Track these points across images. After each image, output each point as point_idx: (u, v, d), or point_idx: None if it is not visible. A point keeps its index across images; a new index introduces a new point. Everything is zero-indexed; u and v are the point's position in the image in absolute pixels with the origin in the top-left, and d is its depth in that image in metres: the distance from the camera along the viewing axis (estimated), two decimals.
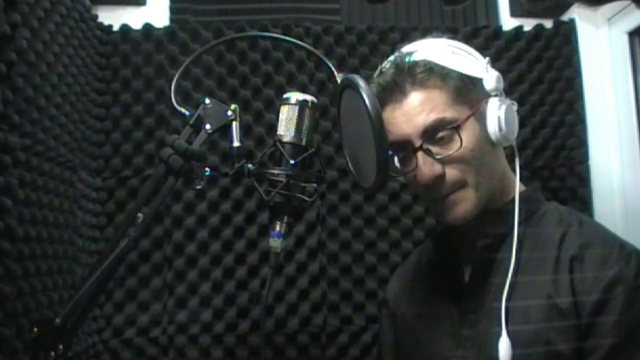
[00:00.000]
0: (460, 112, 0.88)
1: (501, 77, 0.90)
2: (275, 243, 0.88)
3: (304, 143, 0.89)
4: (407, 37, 1.51)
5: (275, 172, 0.87)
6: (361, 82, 0.82)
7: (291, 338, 1.41)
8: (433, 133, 0.88)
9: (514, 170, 0.95)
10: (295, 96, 0.89)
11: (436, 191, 0.90)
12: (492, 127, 0.88)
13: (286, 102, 0.90)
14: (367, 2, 1.58)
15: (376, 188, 0.87)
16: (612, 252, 0.84)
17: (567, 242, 0.87)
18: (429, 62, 0.90)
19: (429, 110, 0.88)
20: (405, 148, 0.90)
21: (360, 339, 1.43)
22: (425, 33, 1.49)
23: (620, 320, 0.80)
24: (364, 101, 0.80)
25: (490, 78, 0.89)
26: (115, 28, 1.45)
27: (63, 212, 1.19)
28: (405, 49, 0.95)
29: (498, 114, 0.88)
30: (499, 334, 0.83)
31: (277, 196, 0.87)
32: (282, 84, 1.47)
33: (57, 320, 0.82)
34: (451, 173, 0.88)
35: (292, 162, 0.87)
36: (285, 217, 0.89)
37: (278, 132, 0.90)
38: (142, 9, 1.50)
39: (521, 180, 0.94)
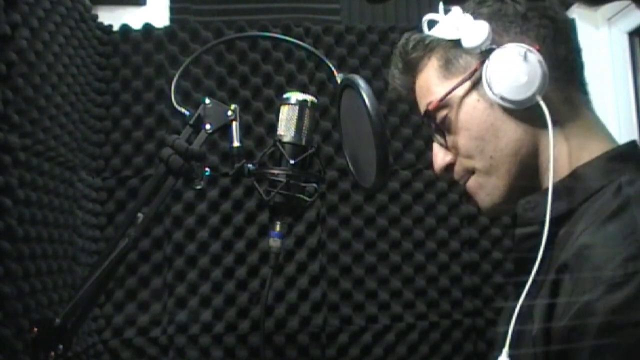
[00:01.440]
0: (447, 88, 0.75)
1: (483, 26, 0.71)
2: (275, 243, 0.88)
3: (304, 143, 0.89)
4: None
5: (275, 172, 0.87)
6: (361, 82, 0.82)
7: (291, 338, 1.41)
8: (432, 120, 0.78)
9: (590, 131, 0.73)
10: (295, 96, 0.90)
11: (455, 181, 0.80)
12: (487, 91, 0.70)
13: (286, 102, 0.90)
14: (367, 2, 1.58)
15: (376, 188, 0.87)
16: (608, 265, 0.57)
17: (572, 244, 0.64)
18: (415, 38, 0.79)
19: (422, 96, 0.80)
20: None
21: (360, 339, 1.43)
22: None
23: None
24: (364, 101, 0.80)
25: (467, 34, 0.72)
26: (115, 28, 1.45)
27: (63, 212, 1.19)
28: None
29: (484, 73, 0.70)
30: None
31: (277, 196, 0.87)
32: (282, 84, 1.47)
33: (57, 320, 0.83)
34: (459, 160, 0.78)
35: (292, 162, 0.87)
36: (285, 217, 0.89)
37: (278, 132, 0.90)
38: (142, 9, 1.50)
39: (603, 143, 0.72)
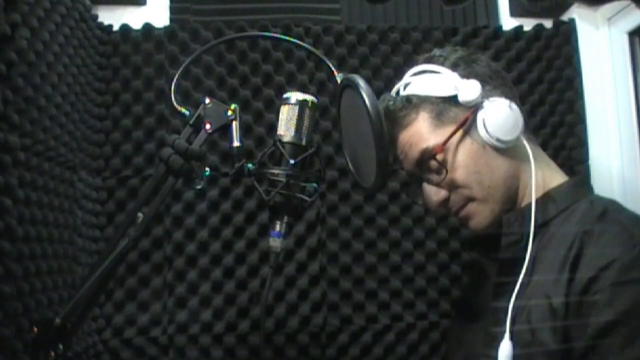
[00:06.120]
0: (444, 136, 0.90)
1: (476, 85, 0.89)
2: (275, 243, 0.88)
3: (304, 143, 0.89)
4: (407, 37, 1.51)
5: (275, 171, 0.88)
6: (361, 82, 0.82)
7: (291, 338, 1.41)
8: (425, 164, 0.92)
9: (554, 161, 0.98)
10: (295, 96, 0.90)
11: (448, 211, 0.95)
12: (483, 135, 0.89)
13: (286, 102, 0.90)
14: (367, 2, 1.58)
15: (376, 188, 0.88)
16: (615, 242, 0.79)
17: (577, 241, 0.83)
18: (402, 98, 0.94)
19: (414, 144, 0.93)
20: (415, 180, 0.98)
21: (360, 339, 1.43)
22: (425, 33, 1.51)
23: (603, 309, 0.76)
24: (364, 101, 0.80)
25: (463, 91, 0.89)
26: (115, 28, 1.45)
27: (63, 212, 1.19)
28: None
29: (482, 119, 0.89)
30: (503, 334, 0.83)
31: (277, 196, 0.87)
32: (282, 84, 1.47)
33: (57, 320, 0.83)
34: (455, 194, 0.92)
35: (292, 161, 0.87)
36: (285, 217, 0.89)
37: (278, 132, 0.90)
38: (142, 9, 1.50)
39: (565, 172, 0.96)
